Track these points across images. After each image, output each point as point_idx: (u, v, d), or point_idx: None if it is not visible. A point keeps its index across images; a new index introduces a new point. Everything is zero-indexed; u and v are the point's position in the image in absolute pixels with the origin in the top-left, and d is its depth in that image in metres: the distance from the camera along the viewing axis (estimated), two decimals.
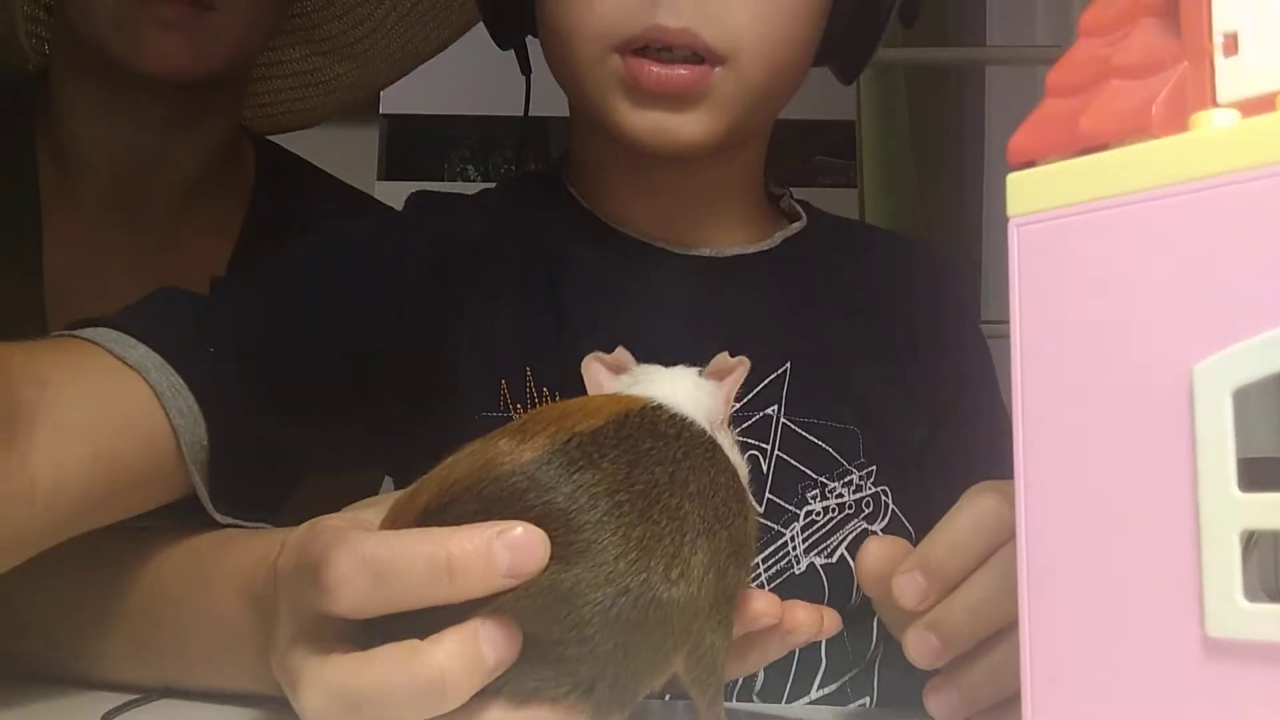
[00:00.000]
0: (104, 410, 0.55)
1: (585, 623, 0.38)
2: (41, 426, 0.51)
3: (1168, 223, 0.32)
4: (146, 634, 0.57)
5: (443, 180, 2.26)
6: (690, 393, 0.46)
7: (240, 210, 0.93)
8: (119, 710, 0.52)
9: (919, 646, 0.45)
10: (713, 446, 0.44)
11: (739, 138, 0.70)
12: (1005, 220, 0.36)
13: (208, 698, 0.55)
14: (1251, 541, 0.31)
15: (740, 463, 0.47)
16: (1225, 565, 0.30)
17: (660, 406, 0.43)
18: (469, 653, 0.38)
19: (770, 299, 0.73)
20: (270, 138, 1.01)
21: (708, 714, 0.42)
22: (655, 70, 0.64)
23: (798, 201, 0.81)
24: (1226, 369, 0.31)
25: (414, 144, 2.28)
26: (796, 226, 0.77)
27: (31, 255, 0.85)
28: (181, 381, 0.58)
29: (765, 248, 0.75)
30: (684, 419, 0.44)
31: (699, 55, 0.64)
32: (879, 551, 0.48)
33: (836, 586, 0.67)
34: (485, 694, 0.39)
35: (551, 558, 0.38)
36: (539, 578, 0.38)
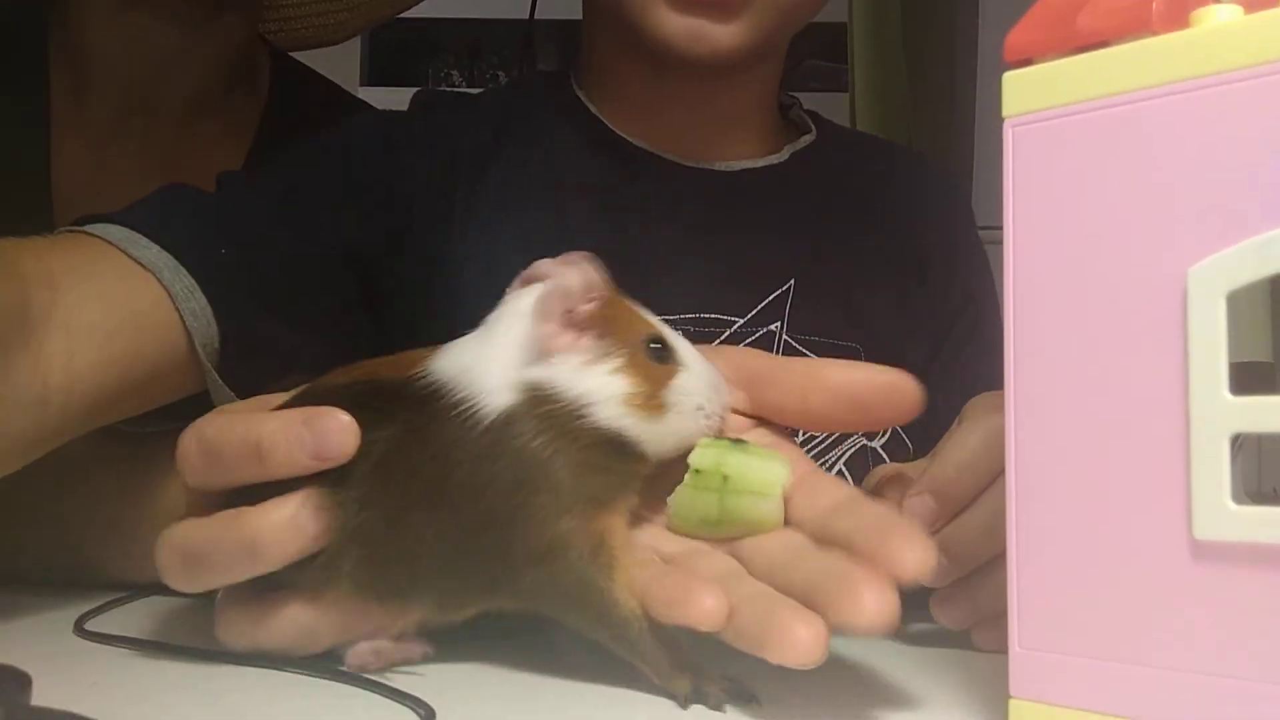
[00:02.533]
0: (116, 311, 0.55)
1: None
2: (54, 327, 0.51)
3: (1166, 122, 0.32)
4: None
5: (427, 86, 2.23)
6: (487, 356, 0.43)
7: (253, 122, 0.91)
8: (94, 613, 0.52)
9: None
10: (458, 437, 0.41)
11: (767, 50, 0.69)
12: (998, 124, 0.36)
13: (188, 596, 0.56)
14: (1236, 446, 0.31)
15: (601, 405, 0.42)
16: (1215, 468, 0.30)
17: (430, 383, 0.42)
18: (288, 520, 0.40)
19: (776, 215, 0.72)
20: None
21: (650, 674, 0.41)
22: None
23: (807, 112, 0.79)
24: (1221, 272, 0.31)
25: (398, 49, 2.24)
26: (806, 139, 0.76)
27: (39, 162, 0.83)
28: (194, 282, 0.58)
29: (773, 162, 0.74)
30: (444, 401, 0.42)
31: None
32: (891, 496, 0.48)
33: None
34: (303, 588, 0.42)
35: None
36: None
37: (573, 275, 0.42)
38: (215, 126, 0.89)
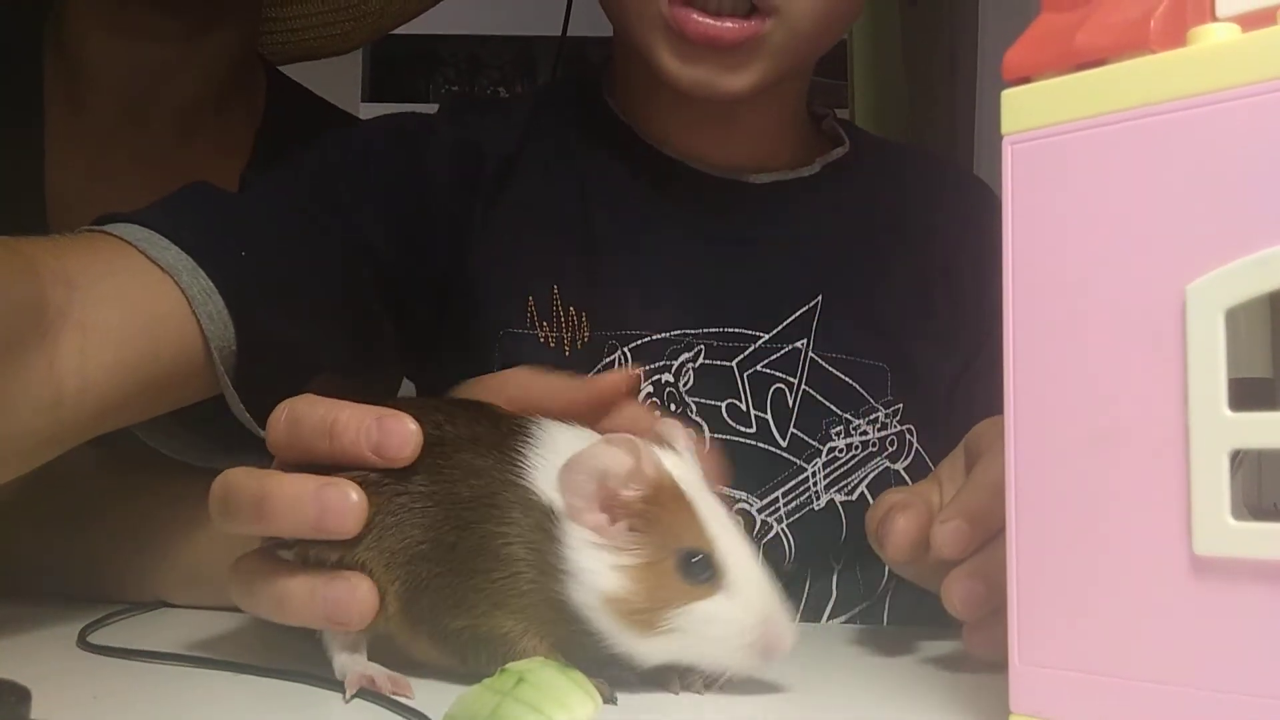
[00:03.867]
0: (133, 313, 0.54)
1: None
2: (69, 328, 0.51)
3: (1164, 140, 0.32)
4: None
5: (429, 102, 2.23)
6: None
7: (248, 140, 0.91)
8: (97, 625, 0.52)
9: (965, 595, 0.44)
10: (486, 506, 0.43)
11: (786, 79, 0.68)
12: (997, 142, 0.36)
13: (188, 611, 0.56)
14: (1236, 461, 0.31)
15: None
16: (1214, 484, 0.30)
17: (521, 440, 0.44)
18: (344, 491, 0.43)
19: (805, 229, 0.71)
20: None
21: None
22: (700, 21, 0.61)
23: (840, 122, 0.78)
24: (1220, 288, 0.31)
25: (399, 64, 2.25)
26: (839, 152, 0.75)
27: (35, 174, 0.83)
28: (212, 285, 0.57)
29: (804, 174, 0.73)
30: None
31: (749, 2, 0.61)
32: (908, 524, 0.47)
33: (854, 523, 0.67)
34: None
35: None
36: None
37: (616, 458, 0.41)
38: (211, 142, 0.89)
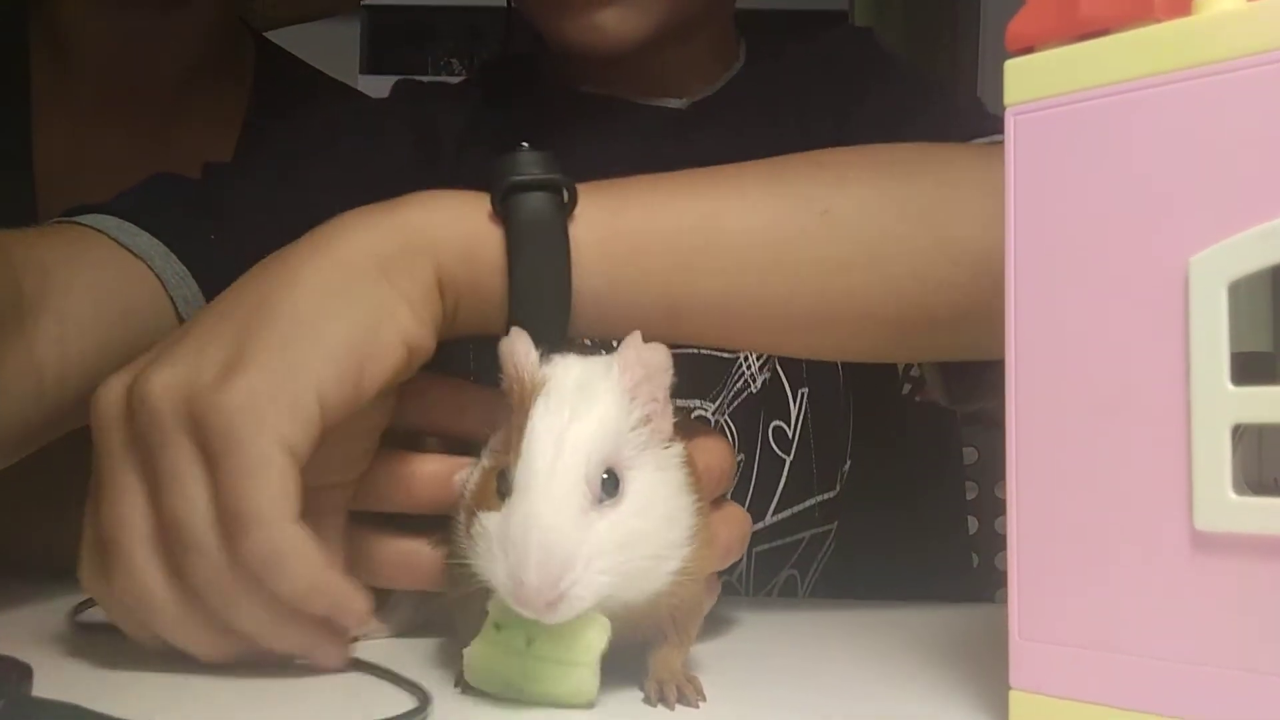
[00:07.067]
0: (108, 300, 0.54)
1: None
2: (45, 317, 0.51)
3: (1169, 110, 0.32)
4: None
5: (427, 74, 2.22)
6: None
7: (239, 108, 0.91)
8: (90, 603, 0.52)
9: None
10: None
11: (682, 25, 0.68)
12: (1000, 112, 0.35)
13: None
14: (1236, 436, 0.31)
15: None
16: (1216, 459, 0.30)
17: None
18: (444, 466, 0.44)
19: (727, 143, 0.72)
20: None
21: None
22: None
23: (745, 36, 0.80)
24: (1223, 262, 0.30)
25: (396, 37, 2.24)
26: (736, 66, 0.77)
27: (21, 149, 0.83)
28: (185, 269, 0.57)
29: (709, 93, 0.74)
30: None
31: None
32: None
33: (797, 403, 0.69)
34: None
35: None
36: None
37: (509, 343, 0.41)
38: (201, 114, 0.88)
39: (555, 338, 0.45)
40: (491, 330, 0.46)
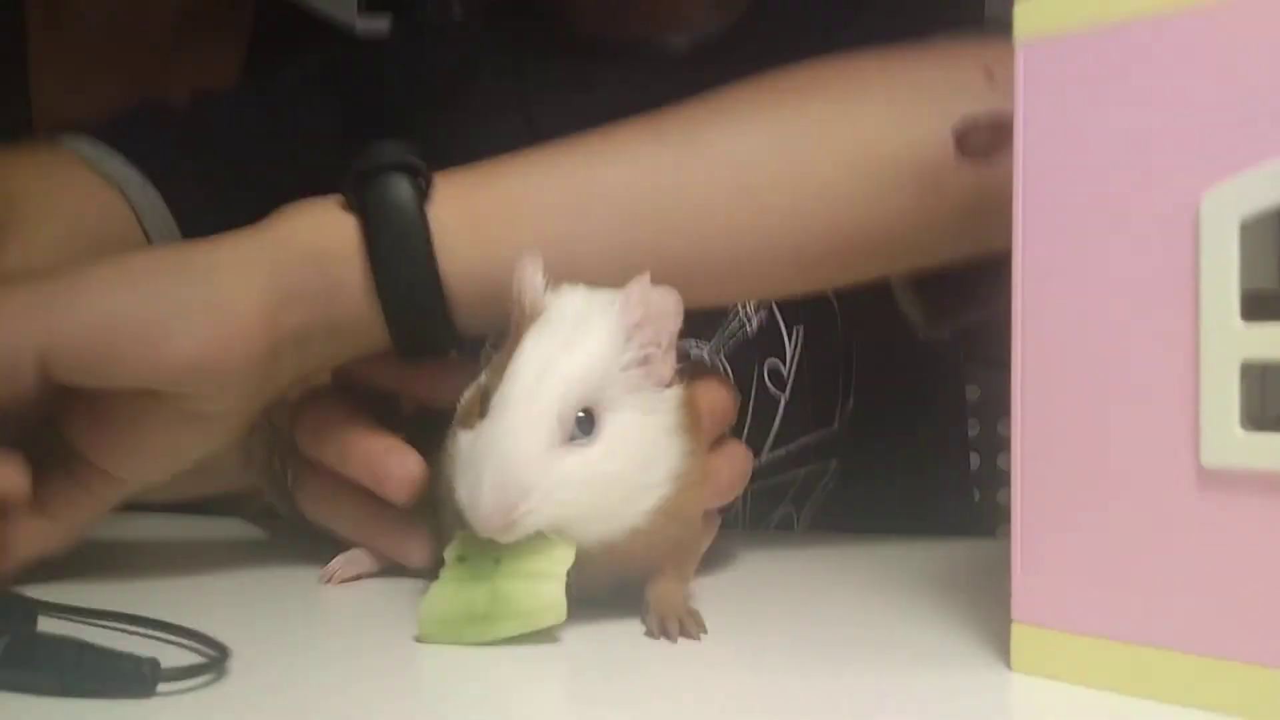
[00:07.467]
0: (78, 226, 0.54)
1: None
2: (12, 243, 0.50)
3: (1180, 45, 0.31)
4: None
5: (425, 13, 2.19)
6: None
7: (237, 57, 0.90)
8: None
9: None
10: None
11: None
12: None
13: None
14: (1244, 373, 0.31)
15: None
16: (1224, 395, 0.30)
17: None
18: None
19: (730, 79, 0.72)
20: None
21: None
22: None
23: None
24: (1235, 198, 0.30)
25: None
26: (740, 4, 0.75)
27: (20, 94, 0.83)
28: (161, 200, 0.57)
29: (711, 33, 0.73)
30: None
31: None
32: None
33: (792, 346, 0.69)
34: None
35: None
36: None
37: (521, 268, 0.40)
38: (199, 63, 0.88)
39: (442, 333, 0.44)
40: (377, 336, 0.45)
